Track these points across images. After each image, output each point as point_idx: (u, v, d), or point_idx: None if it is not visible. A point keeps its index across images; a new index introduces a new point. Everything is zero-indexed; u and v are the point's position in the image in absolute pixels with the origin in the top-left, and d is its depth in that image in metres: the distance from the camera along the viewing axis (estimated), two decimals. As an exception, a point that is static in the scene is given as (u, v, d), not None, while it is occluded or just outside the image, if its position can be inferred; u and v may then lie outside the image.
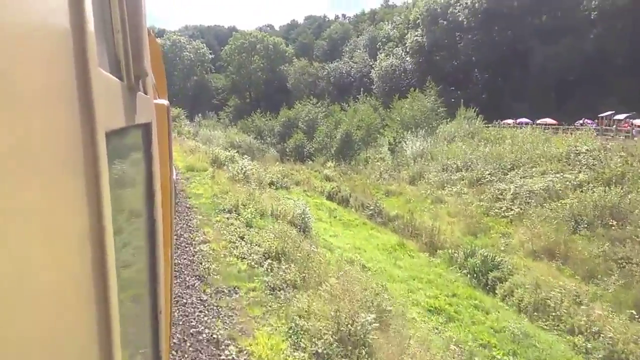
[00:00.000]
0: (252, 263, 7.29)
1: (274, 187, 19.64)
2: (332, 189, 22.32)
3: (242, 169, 16.46)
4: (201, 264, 7.08)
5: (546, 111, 42.32)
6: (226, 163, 20.60)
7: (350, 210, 18.79)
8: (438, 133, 32.44)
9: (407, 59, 56.66)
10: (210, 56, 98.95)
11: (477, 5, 49.06)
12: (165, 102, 2.44)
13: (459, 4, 51.09)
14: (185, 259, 7.30)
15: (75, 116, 0.52)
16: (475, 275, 11.47)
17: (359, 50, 67.19)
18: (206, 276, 6.64)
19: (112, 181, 0.69)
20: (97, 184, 0.58)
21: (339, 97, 62.61)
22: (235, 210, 10.49)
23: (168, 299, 2.10)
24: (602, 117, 34.41)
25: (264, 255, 7.62)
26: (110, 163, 0.69)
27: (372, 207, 17.48)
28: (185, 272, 6.73)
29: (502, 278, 11.10)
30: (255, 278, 6.74)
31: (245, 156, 27.44)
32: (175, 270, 5.67)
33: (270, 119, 54.11)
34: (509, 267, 11.55)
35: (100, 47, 0.74)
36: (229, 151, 25.82)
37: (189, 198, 11.68)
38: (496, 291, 10.88)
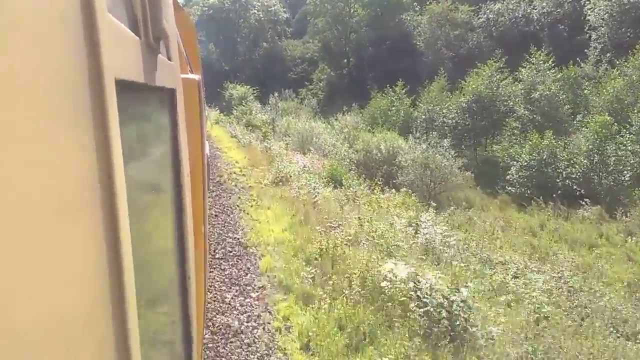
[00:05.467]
0: None
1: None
2: None
3: None
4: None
5: None
6: None
7: None
8: None
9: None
10: (284, 15, 77.92)
11: None
12: (197, 77, 2.57)
13: None
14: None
15: (78, 54, 0.53)
16: None
17: (544, -21, 41.82)
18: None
19: (129, 138, 0.71)
20: (105, 131, 0.57)
21: (509, 59, 37.80)
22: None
23: (201, 285, 2.10)
24: None
25: None
26: (126, 118, 0.69)
27: None
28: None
29: None
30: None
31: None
32: None
33: (404, 100, 30.79)
34: None
35: (116, 2, 0.78)
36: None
37: None
38: None
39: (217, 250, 7.05)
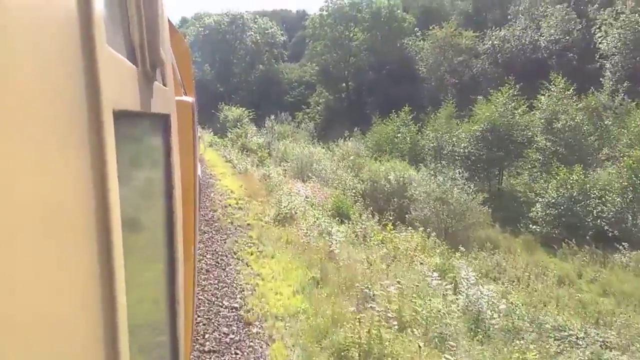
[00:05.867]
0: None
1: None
2: None
3: None
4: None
5: None
6: None
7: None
8: None
9: None
10: (282, 38, 77.45)
11: None
12: (191, 99, 2.51)
13: None
14: None
15: (78, 88, 0.54)
16: None
17: (551, 7, 41.02)
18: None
19: (124, 165, 0.75)
20: (102, 161, 0.59)
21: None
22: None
23: (190, 306, 2.09)
24: None
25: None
26: (122, 145, 0.72)
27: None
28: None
29: None
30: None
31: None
32: None
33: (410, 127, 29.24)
34: None
35: (114, 32, 0.80)
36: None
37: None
38: None
39: (207, 332, 5.04)
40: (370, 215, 16.89)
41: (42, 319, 0.42)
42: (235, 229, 10.27)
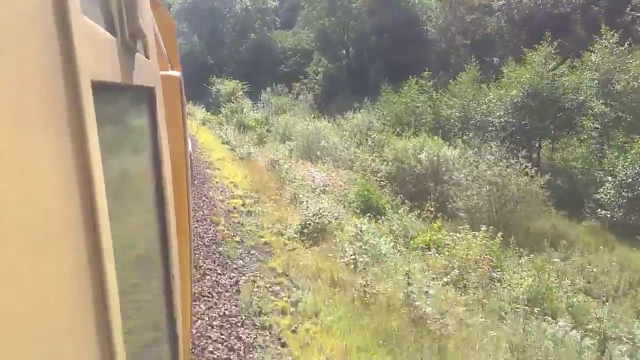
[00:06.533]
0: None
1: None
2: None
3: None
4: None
5: None
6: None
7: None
8: None
9: None
10: (273, 3, 72.48)
11: None
12: (177, 74, 2.50)
13: None
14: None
15: (53, 57, 0.53)
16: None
17: (573, -46, 36.95)
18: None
19: (107, 138, 0.73)
20: (83, 135, 0.58)
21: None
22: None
23: (187, 289, 2.07)
24: None
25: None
26: (103, 119, 0.70)
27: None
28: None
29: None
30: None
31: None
32: None
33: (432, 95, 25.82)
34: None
35: (90, 1, 0.79)
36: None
37: None
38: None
39: None
40: (407, 207, 13.74)
41: (26, 303, 0.40)
42: (249, 254, 7.05)
